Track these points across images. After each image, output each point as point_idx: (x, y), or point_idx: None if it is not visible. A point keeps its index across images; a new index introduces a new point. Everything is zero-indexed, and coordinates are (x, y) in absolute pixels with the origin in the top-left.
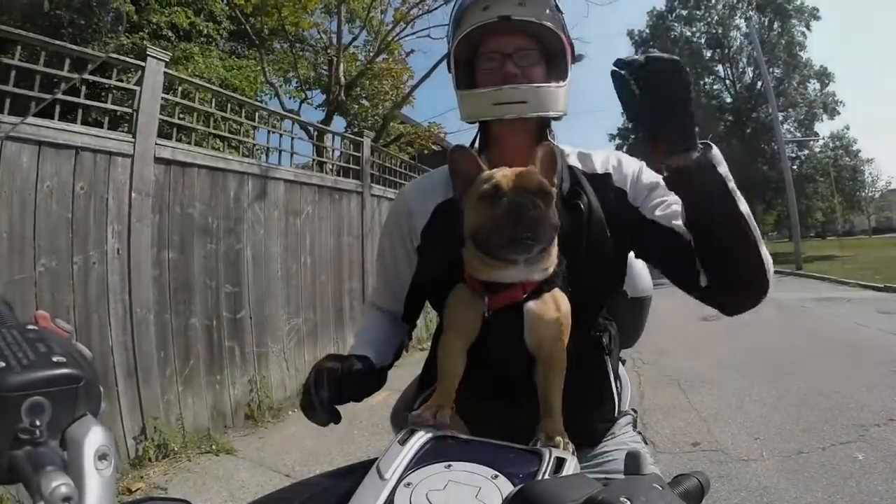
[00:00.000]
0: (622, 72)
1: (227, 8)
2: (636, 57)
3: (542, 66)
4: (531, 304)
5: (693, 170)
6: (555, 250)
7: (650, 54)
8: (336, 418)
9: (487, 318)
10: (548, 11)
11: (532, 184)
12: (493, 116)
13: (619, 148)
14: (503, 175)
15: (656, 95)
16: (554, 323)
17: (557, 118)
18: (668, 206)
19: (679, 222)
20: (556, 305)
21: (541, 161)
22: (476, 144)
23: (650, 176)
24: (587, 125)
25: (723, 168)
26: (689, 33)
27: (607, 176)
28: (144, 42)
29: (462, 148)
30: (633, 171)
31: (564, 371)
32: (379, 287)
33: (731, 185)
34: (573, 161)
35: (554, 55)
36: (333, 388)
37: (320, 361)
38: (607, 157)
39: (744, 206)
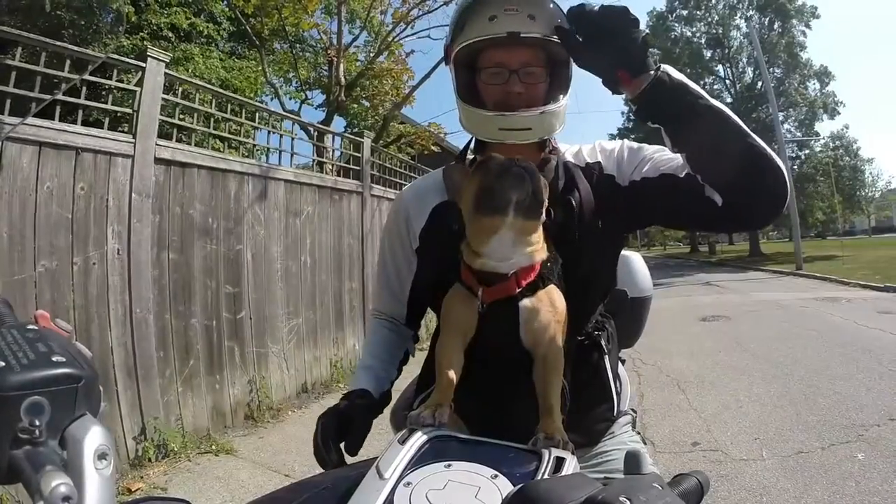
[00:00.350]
0: (575, 17)
1: (228, 9)
2: (574, 11)
3: (546, 81)
4: (525, 301)
5: (655, 86)
6: (542, 238)
7: (585, 9)
8: (344, 462)
9: (483, 314)
10: (557, 21)
11: (519, 159)
12: (496, 140)
13: None
14: (497, 152)
15: (598, 36)
16: (550, 320)
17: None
18: (649, 161)
19: (667, 167)
20: (550, 302)
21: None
22: (472, 144)
23: (628, 147)
24: (587, 125)
25: (680, 75)
26: (689, 33)
27: (596, 164)
28: (144, 43)
29: (453, 166)
30: (615, 150)
31: (562, 370)
32: (381, 292)
33: (693, 85)
34: (567, 157)
35: (559, 65)
36: (338, 448)
37: (324, 419)
38: (592, 148)
39: (719, 103)
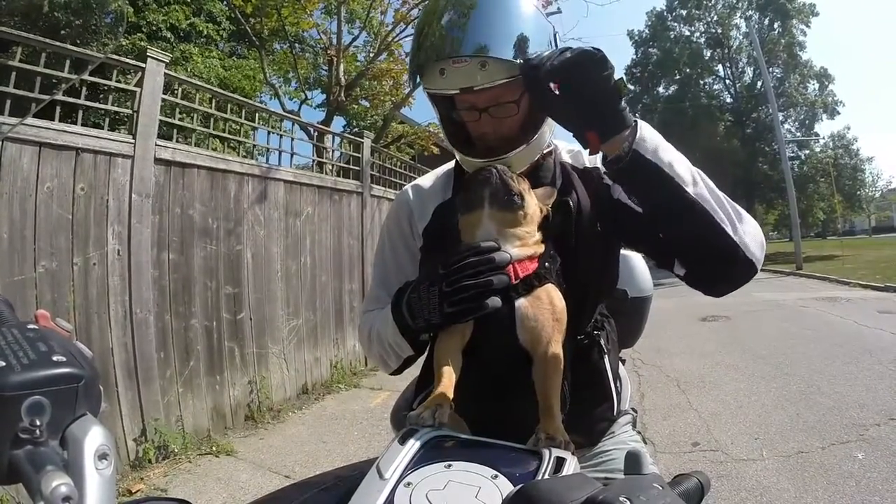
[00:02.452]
0: (532, 73)
1: (227, 9)
2: (547, 55)
3: (522, 110)
4: (522, 301)
5: (625, 159)
6: (533, 232)
7: (564, 51)
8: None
9: (480, 316)
10: (517, 53)
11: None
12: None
13: None
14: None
15: (578, 90)
16: (547, 320)
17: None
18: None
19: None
20: (549, 301)
21: None
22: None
23: None
24: None
25: (655, 151)
26: (688, 33)
27: (595, 170)
28: (143, 42)
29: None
30: None
31: (562, 370)
32: (378, 292)
33: (669, 169)
34: (565, 157)
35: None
36: None
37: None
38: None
39: (695, 189)
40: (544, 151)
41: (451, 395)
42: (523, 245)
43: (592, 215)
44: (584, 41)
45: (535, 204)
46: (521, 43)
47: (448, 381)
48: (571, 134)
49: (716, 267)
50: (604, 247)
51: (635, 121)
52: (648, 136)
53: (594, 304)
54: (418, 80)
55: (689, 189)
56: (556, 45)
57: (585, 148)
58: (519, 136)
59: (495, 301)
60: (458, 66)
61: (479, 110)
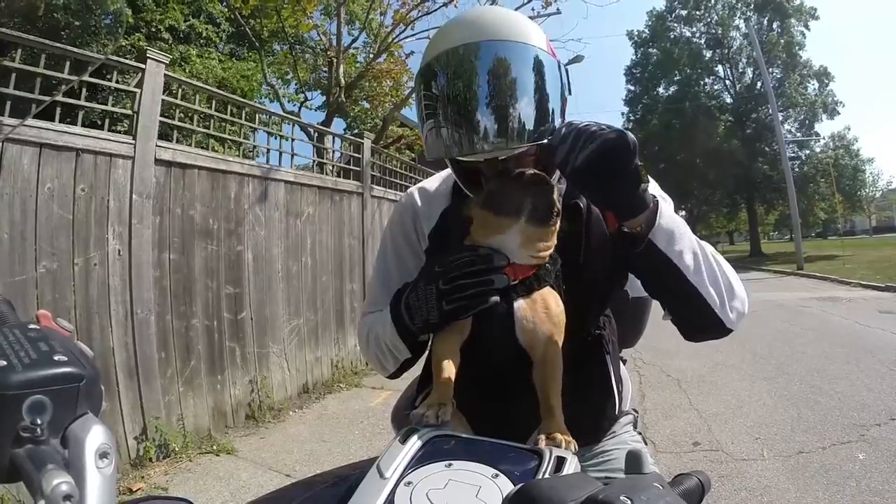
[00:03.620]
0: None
1: (226, 10)
2: (571, 142)
3: (538, 149)
4: (520, 302)
5: (640, 245)
6: (551, 248)
7: (590, 139)
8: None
9: (478, 312)
10: (536, 126)
11: (529, 172)
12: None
13: None
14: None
15: (602, 175)
16: (545, 322)
17: None
18: None
19: None
20: (545, 305)
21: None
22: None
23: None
24: None
25: (670, 246)
26: (688, 33)
27: None
28: (141, 43)
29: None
30: None
31: (562, 370)
32: (378, 295)
33: (681, 260)
34: None
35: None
36: None
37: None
38: None
39: (696, 277)
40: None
41: (451, 393)
42: (537, 259)
43: (600, 220)
44: (584, 41)
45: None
46: (540, 106)
47: (446, 379)
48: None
49: (696, 328)
50: (612, 249)
51: (655, 202)
52: (665, 224)
53: (601, 305)
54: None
55: (691, 278)
56: (565, 77)
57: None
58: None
59: (495, 298)
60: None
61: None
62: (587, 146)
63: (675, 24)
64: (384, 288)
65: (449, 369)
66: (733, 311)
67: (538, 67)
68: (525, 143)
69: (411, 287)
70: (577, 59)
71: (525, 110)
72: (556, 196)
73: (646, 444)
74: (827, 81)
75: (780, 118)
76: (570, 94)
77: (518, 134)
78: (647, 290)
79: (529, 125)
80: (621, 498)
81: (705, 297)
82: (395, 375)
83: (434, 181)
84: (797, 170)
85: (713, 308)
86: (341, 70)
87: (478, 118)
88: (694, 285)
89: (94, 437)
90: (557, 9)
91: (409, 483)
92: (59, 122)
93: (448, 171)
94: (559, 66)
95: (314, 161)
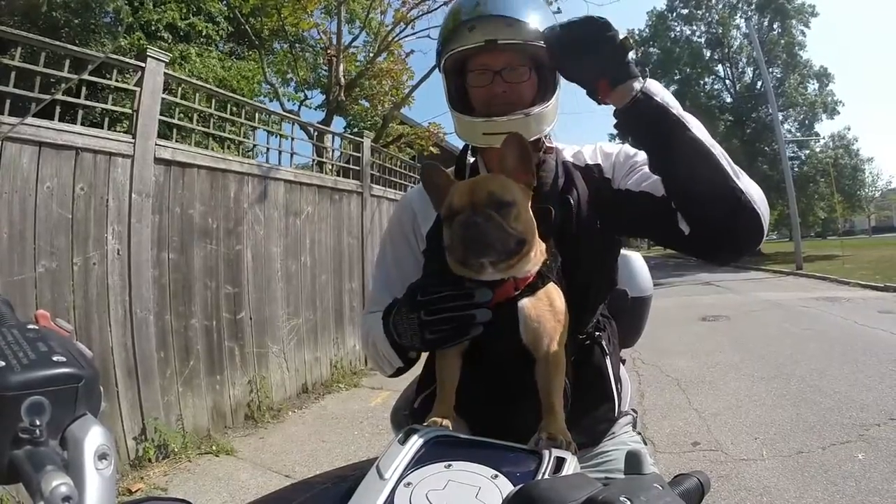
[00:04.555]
0: (549, 32)
1: (226, 8)
2: (549, 29)
3: (533, 80)
4: (525, 301)
5: (634, 103)
6: (537, 248)
7: (560, 24)
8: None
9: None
10: (537, 27)
11: (481, 197)
12: (484, 145)
13: None
14: (460, 192)
15: (588, 46)
16: (549, 320)
17: (550, 129)
18: (637, 172)
19: (648, 183)
20: (549, 301)
21: (511, 154)
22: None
23: (624, 153)
24: (587, 125)
25: (662, 97)
26: (688, 32)
27: (596, 167)
28: (141, 42)
29: (431, 165)
30: (614, 154)
31: (564, 369)
32: (379, 294)
33: (676, 111)
34: (567, 156)
35: (543, 67)
36: None
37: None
38: (594, 149)
39: (699, 133)
40: (547, 147)
41: (452, 403)
42: (529, 268)
43: (593, 212)
44: None
45: (529, 217)
46: (539, 11)
47: (449, 390)
48: (585, 91)
49: (721, 219)
50: (604, 243)
51: (644, 73)
52: (656, 86)
53: (595, 302)
54: (442, 55)
55: (695, 132)
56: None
57: (596, 99)
58: (525, 105)
59: (478, 329)
60: (485, 20)
61: (494, 72)
62: (573, 19)
63: (676, 24)
64: (384, 289)
65: (451, 380)
66: (752, 187)
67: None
68: (534, 108)
69: (396, 310)
70: None
71: (532, 6)
72: (509, 231)
73: (645, 444)
74: (827, 82)
75: (780, 118)
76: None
77: (524, 14)
78: (657, 166)
79: (531, 16)
80: (621, 498)
81: (717, 158)
82: (394, 375)
83: None
84: (797, 169)
85: (730, 175)
86: (341, 69)
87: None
88: (701, 139)
89: (93, 438)
90: (558, 7)
91: (408, 484)
92: (59, 120)
93: (449, 170)
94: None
95: (314, 160)
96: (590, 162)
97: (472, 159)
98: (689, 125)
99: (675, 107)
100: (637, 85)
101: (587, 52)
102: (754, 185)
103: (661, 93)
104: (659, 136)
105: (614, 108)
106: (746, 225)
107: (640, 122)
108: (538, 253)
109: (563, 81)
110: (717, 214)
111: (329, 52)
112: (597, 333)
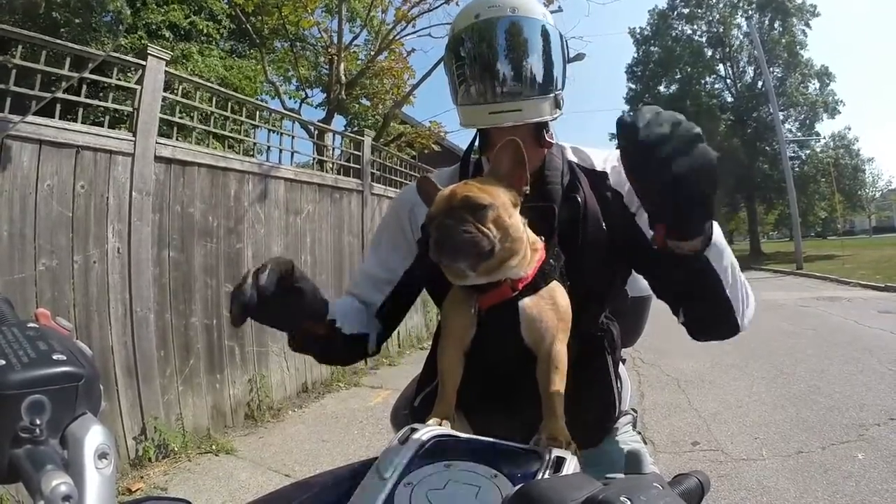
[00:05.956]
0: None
1: (227, 7)
2: (658, 129)
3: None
4: (526, 301)
5: (693, 263)
6: (527, 248)
7: (691, 141)
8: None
9: (483, 318)
10: (540, 24)
11: (456, 202)
12: (490, 125)
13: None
14: (439, 198)
15: (684, 187)
16: (551, 319)
17: (553, 118)
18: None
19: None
20: (552, 300)
21: (506, 158)
22: (475, 147)
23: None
24: (588, 124)
25: (721, 262)
26: (689, 31)
27: (604, 174)
28: (142, 41)
29: (424, 178)
30: (622, 172)
31: (566, 369)
32: (362, 277)
33: (725, 275)
34: (570, 156)
35: (552, 54)
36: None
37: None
38: (606, 157)
39: (731, 291)
40: (548, 136)
41: (453, 404)
42: (518, 268)
43: (598, 215)
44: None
45: (511, 223)
46: (549, 72)
47: (450, 392)
48: (644, 210)
49: (712, 329)
50: (609, 246)
51: (710, 225)
52: (717, 241)
53: (598, 304)
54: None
55: (728, 290)
56: (567, 50)
57: (651, 238)
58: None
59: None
60: (492, 9)
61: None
62: (689, 151)
63: (677, 22)
64: (371, 274)
65: (452, 381)
66: (746, 317)
67: (545, 35)
68: (536, 94)
69: None
70: (578, 57)
71: (535, 66)
72: (490, 224)
73: (645, 443)
74: (828, 81)
75: (781, 117)
76: (569, 58)
77: (531, 83)
78: (668, 295)
79: (539, 79)
80: (621, 498)
81: (733, 304)
82: (323, 360)
83: (433, 176)
84: (797, 169)
85: (736, 315)
86: (342, 67)
87: (498, 68)
88: (728, 297)
89: (93, 437)
90: (559, 6)
91: (408, 483)
92: (60, 118)
93: (448, 168)
94: (561, 37)
95: (314, 159)
96: (598, 168)
97: (474, 157)
98: (727, 284)
99: (726, 267)
100: (699, 245)
101: (676, 190)
102: (752, 300)
103: (720, 250)
104: (692, 288)
105: (657, 246)
106: (730, 335)
107: (685, 273)
108: (530, 253)
109: (571, 74)
110: (709, 329)
111: (330, 50)
112: (599, 333)
